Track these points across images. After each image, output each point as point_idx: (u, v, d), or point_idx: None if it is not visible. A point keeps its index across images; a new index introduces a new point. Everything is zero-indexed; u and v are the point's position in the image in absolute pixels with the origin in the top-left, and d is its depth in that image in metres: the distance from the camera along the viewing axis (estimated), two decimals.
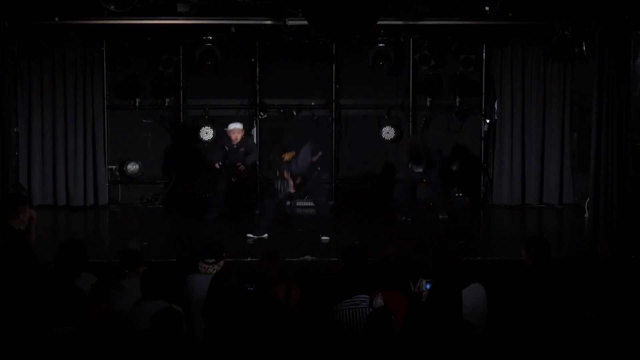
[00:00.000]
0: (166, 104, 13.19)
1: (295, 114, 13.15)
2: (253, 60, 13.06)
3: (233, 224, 11.26)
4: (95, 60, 12.86)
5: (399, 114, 13.29)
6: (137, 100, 13.04)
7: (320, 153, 10.77)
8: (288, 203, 12.41)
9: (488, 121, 13.26)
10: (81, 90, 12.86)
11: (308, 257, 9.33)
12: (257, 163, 12.53)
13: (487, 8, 9.62)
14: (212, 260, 6.93)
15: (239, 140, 11.60)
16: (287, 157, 10.44)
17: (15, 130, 12.28)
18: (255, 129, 13.11)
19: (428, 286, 6.41)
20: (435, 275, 6.58)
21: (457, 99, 13.18)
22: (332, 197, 13.16)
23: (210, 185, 12.80)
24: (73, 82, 12.81)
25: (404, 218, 11.81)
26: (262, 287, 6.57)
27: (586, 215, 10.79)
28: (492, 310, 6.17)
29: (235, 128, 11.61)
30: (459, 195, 13.28)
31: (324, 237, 10.48)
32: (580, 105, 12.73)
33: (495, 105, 13.14)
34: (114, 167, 13.15)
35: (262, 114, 13.19)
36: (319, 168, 10.82)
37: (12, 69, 10.74)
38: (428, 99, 13.23)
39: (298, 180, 10.41)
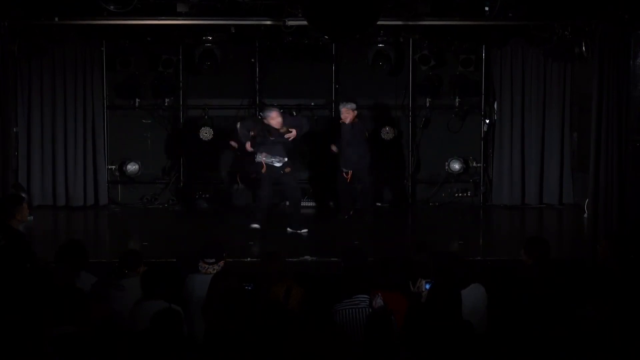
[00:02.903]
0: (166, 104, 13.18)
1: (295, 114, 13.13)
2: (253, 60, 13.05)
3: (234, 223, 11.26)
4: (95, 60, 12.85)
5: (399, 114, 13.29)
6: (137, 100, 13.03)
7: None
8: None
9: (488, 121, 13.25)
10: (81, 90, 12.86)
11: (308, 257, 9.33)
12: None
13: (487, 8, 9.63)
14: (212, 260, 6.93)
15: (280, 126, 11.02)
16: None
17: (15, 130, 12.28)
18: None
19: (427, 286, 6.41)
20: (435, 275, 6.58)
21: (457, 99, 13.16)
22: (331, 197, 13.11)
23: (209, 185, 12.83)
24: (73, 82, 12.81)
25: (345, 217, 11.67)
26: (262, 287, 6.58)
27: (586, 215, 10.79)
28: (492, 310, 6.17)
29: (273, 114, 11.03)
30: (459, 195, 13.32)
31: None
32: (580, 105, 12.73)
33: (495, 105, 13.14)
34: (113, 167, 13.15)
35: (261, 114, 13.17)
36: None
37: (12, 69, 10.76)
38: (428, 99, 13.22)
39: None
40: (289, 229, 10.86)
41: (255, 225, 10.82)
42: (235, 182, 12.02)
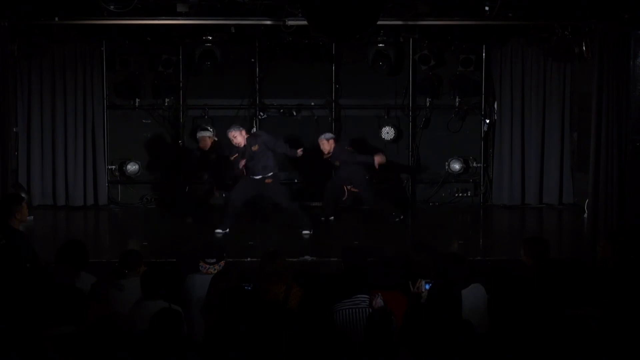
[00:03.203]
0: (166, 104, 13.19)
1: (295, 114, 13.15)
2: (253, 60, 13.06)
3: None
4: (95, 60, 12.86)
5: (399, 114, 13.30)
6: (137, 100, 13.04)
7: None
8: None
9: (488, 121, 13.26)
10: (81, 90, 12.87)
11: (308, 257, 9.33)
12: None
13: (487, 8, 9.62)
14: (213, 260, 6.93)
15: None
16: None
17: (15, 130, 12.29)
18: (254, 129, 13.09)
19: (427, 286, 6.42)
20: (435, 275, 6.58)
21: (457, 99, 13.17)
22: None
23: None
24: (73, 82, 12.82)
25: (322, 219, 11.65)
26: (262, 287, 6.58)
27: (586, 215, 10.79)
28: (492, 310, 6.17)
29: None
30: (459, 195, 13.33)
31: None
32: (580, 105, 12.74)
33: (495, 105, 13.15)
34: (113, 167, 13.15)
35: (261, 114, 13.20)
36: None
37: (12, 69, 10.75)
38: (428, 99, 13.23)
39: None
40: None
41: (219, 231, 10.63)
42: (213, 189, 11.96)
